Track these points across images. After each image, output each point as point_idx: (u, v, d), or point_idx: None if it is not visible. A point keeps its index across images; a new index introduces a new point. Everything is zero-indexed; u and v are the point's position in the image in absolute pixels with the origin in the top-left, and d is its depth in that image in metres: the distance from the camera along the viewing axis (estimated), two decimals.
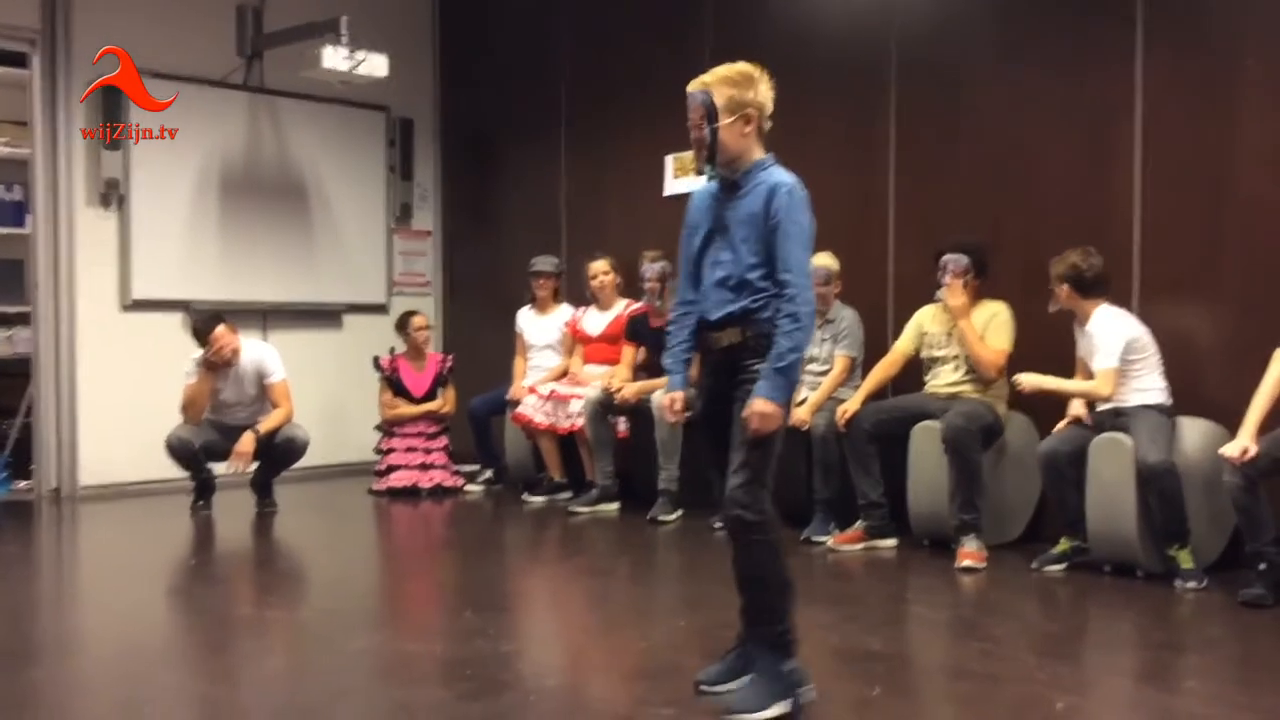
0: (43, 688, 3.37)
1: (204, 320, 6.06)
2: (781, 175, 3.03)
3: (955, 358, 5.12)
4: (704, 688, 3.10)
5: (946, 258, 5.08)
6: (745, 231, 3.02)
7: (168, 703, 3.26)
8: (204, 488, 6.09)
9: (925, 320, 5.26)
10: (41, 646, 3.85)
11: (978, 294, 5.13)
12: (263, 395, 6.10)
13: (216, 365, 5.97)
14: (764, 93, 3.05)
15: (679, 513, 5.82)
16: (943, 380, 5.14)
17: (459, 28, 8.13)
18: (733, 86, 3.02)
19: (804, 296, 2.95)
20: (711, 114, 3.00)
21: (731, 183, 3.08)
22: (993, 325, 5.04)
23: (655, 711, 3.00)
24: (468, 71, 8.06)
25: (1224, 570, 4.45)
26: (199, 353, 6.07)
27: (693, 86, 3.06)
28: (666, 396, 3.34)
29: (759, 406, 2.92)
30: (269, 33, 7.02)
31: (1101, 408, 4.69)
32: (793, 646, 3.01)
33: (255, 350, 6.14)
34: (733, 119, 3.00)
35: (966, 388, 5.06)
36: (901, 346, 5.30)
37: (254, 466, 6.09)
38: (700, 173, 3.13)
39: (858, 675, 3.22)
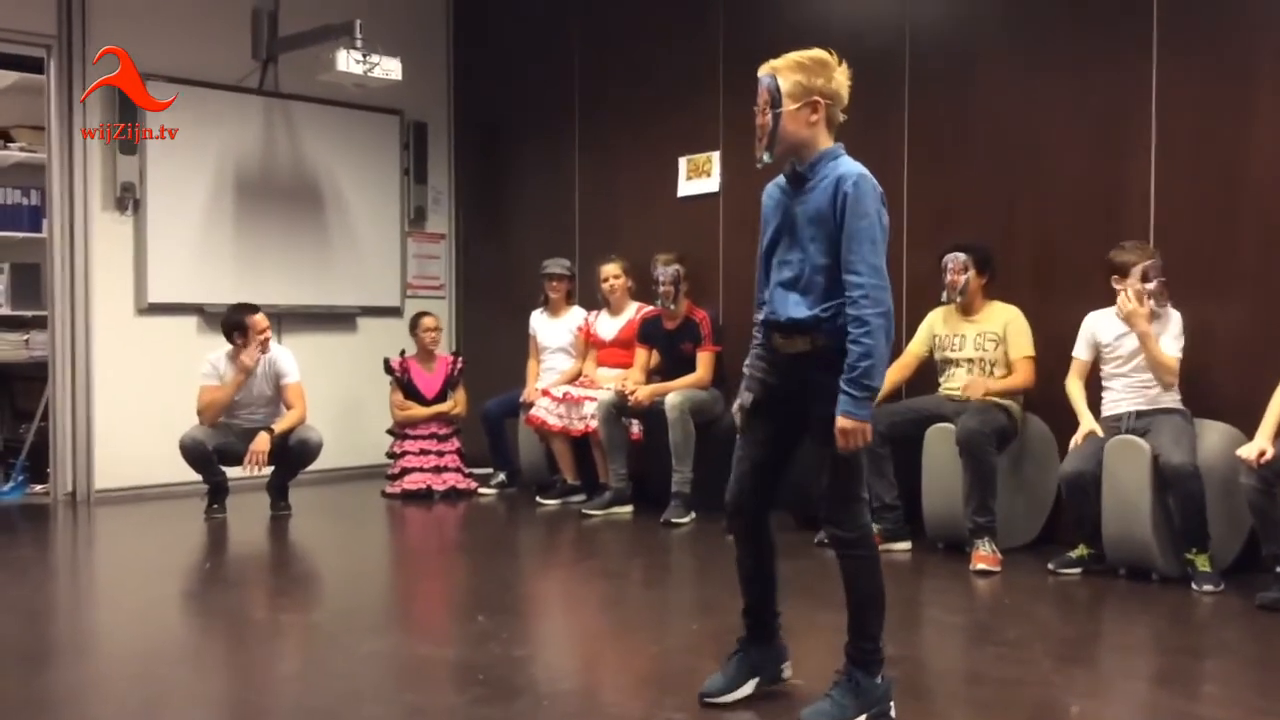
0: (59, 689, 3.39)
1: (239, 309, 6.13)
2: (849, 166, 2.88)
3: (969, 361, 5.11)
4: (709, 700, 3.04)
5: (946, 257, 5.11)
6: (813, 230, 2.87)
7: (182, 704, 3.27)
8: (218, 490, 6.10)
9: (936, 322, 5.25)
10: (58, 648, 3.87)
11: (986, 294, 5.14)
12: (277, 397, 6.12)
13: (250, 369, 6.01)
14: (837, 81, 2.90)
15: (692, 515, 5.81)
16: (956, 383, 5.13)
17: (472, 31, 8.14)
18: (801, 72, 2.87)
19: (874, 297, 2.78)
20: (775, 99, 2.88)
21: (799, 175, 2.93)
22: (1011, 333, 5.04)
23: (668, 716, 3.00)
24: (481, 74, 8.07)
25: (1240, 573, 4.42)
26: (217, 352, 6.11)
27: (762, 71, 2.94)
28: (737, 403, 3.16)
29: (840, 424, 2.79)
30: (283, 36, 7.04)
31: (1122, 409, 4.67)
32: (880, 664, 2.94)
33: (272, 351, 6.18)
34: (798, 105, 2.86)
35: None
36: (914, 348, 5.29)
37: (269, 469, 6.12)
38: (759, 160, 2.96)
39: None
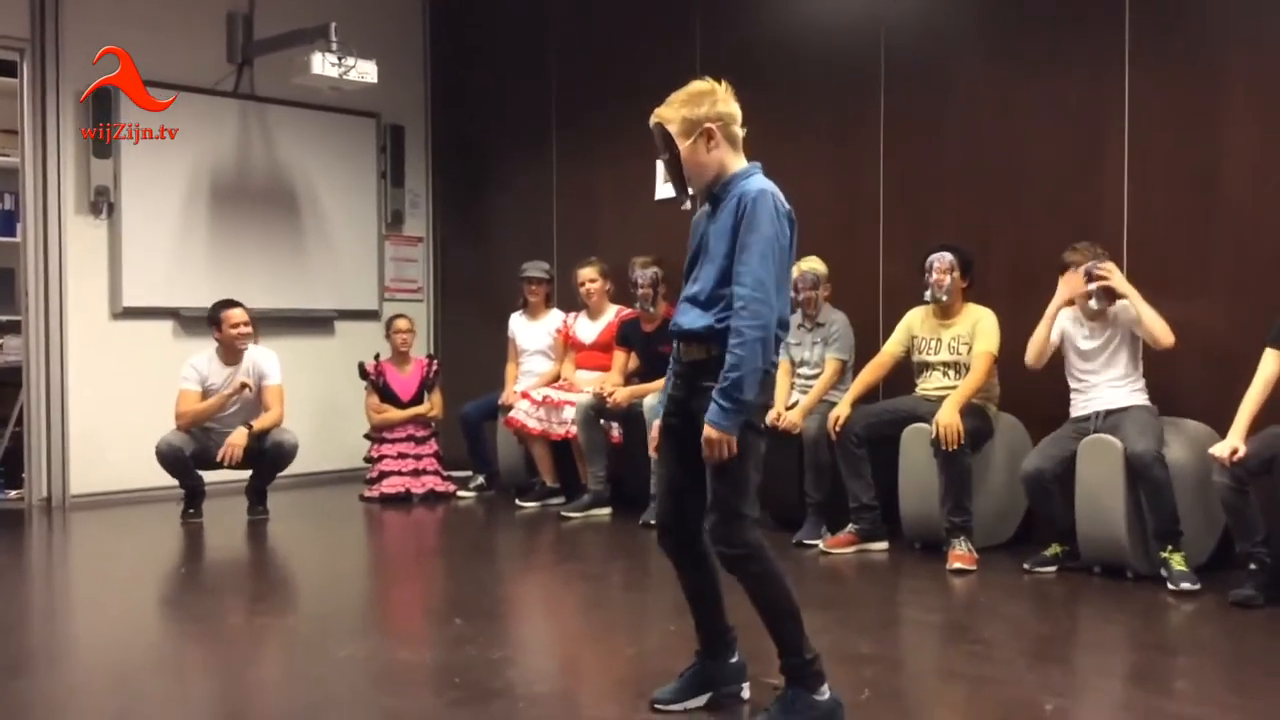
0: (33, 697, 3.36)
1: (217, 305, 6.13)
2: (752, 184, 2.88)
3: (944, 364, 5.14)
4: (659, 706, 3.03)
5: (932, 256, 5.11)
6: (722, 246, 2.88)
7: (158, 711, 3.26)
8: (194, 495, 6.08)
9: (914, 323, 5.27)
10: (32, 655, 3.84)
11: (964, 296, 5.16)
12: (256, 400, 6.10)
13: (237, 392, 5.98)
14: (722, 102, 2.91)
15: None
16: (933, 384, 5.15)
17: (449, 33, 8.14)
18: (685, 107, 2.91)
19: (754, 310, 2.76)
20: (669, 142, 2.93)
21: (715, 197, 2.96)
22: (979, 330, 5.05)
23: (645, 718, 3.00)
24: (458, 77, 8.06)
25: (1214, 571, 4.45)
26: (199, 355, 6.08)
27: (650, 122, 2.98)
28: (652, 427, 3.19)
29: (706, 433, 2.79)
30: (259, 40, 7.03)
31: (1091, 409, 4.70)
32: (818, 678, 2.89)
33: (256, 351, 6.18)
34: (691, 140, 2.89)
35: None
36: (890, 349, 5.31)
37: (248, 474, 6.10)
38: (682, 203, 3.03)
39: (848, 678, 3.21)
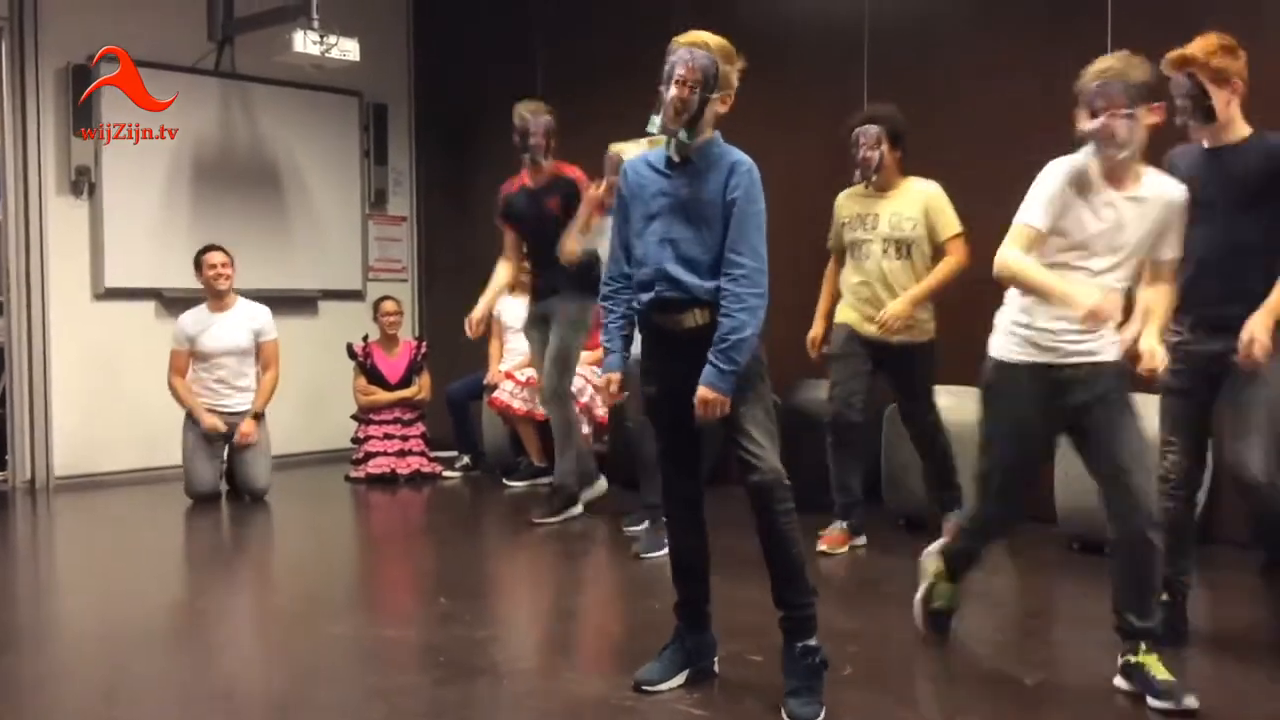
0: (20, 675, 3.37)
1: (204, 247, 6.17)
2: (738, 153, 2.95)
3: (884, 239, 4.62)
4: (646, 688, 3.05)
5: (856, 131, 4.63)
6: (709, 210, 2.90)
7: (144, 689, 3.27)
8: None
9: (844, 204, 4.77)
10: (17, 633, 3.83)
11: (900, 169, 4.71)
12: (252, 349, 6.12)
13: (216, 433, 5.99)
14: (737, 77, 2.98)
15: None
16: (871, 268, 4.61)
17: (432, 10, 8.09)
18: (729, 62, 2.92)
19: (754, 279, 2.86)
20: (710, 83, 2.89)
21: (684, 158, 2.95)
22: (931, 208, 4.60)
23: (628, 695, 3.02)
24: (442, 55, 8.02)
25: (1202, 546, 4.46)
26: (187, 314, 6.09)
27: (690, 41, 2.92)
28: (603, 377, 3.17)
29: (702, 394, 2.85)
30: (239, 17, 6.97)
31: (1059, 339, 3.08)
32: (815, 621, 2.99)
33: (249, 304, 6.23)
34: (719, 95, 2.91)
35: (910, 330, 4.62)
36: (833, 245, 4.86)
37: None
38: (672, 134, 2.92)
39: (829, 654, 3.22)
